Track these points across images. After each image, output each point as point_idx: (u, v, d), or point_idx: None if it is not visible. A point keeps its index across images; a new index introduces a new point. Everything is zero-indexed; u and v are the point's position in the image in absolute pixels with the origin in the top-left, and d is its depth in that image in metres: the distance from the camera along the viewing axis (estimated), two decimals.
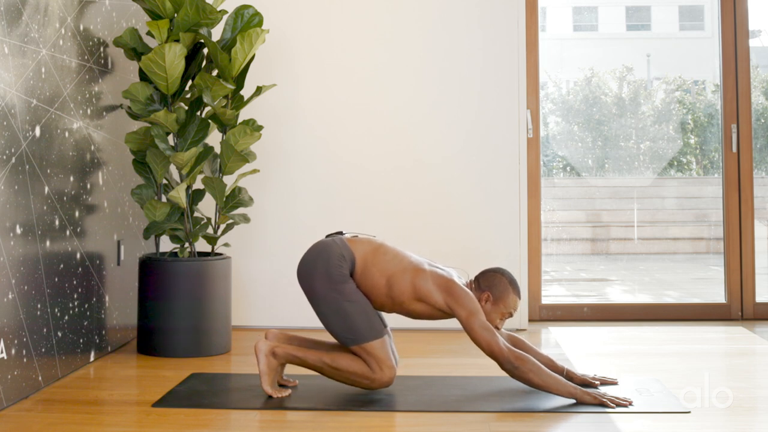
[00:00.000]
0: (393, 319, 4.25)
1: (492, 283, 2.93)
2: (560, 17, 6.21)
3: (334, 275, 2.83)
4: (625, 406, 2.72)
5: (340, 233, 2.99)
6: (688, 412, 2.68)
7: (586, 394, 2.76)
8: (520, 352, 2.79)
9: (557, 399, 2.81)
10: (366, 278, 2.86)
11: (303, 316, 4.24)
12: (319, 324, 2.94)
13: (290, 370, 3.14)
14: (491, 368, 3.25)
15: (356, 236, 2.96)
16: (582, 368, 3.30)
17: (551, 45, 5.63)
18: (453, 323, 4.22)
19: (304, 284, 2.90)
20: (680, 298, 5.28)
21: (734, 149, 4.58)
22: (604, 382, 3.03)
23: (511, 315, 2.95)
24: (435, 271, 2.88)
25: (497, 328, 2.92)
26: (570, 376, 3.00)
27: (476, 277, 2.98)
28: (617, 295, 5.46)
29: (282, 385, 2.99)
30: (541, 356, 3.04)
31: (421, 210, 4.31)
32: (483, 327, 2.77)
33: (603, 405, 2.72)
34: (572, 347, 3.83)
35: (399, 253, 2.92)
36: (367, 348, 2.81)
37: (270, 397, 2.83)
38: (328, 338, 3.05)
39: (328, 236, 2.99)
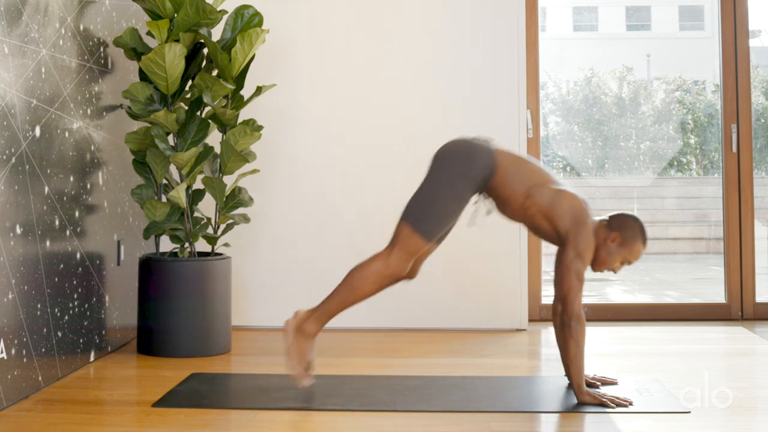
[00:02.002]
0: (393, 319, 4.25)
1: (624, 226, 2.89)
2: (560, 17, 6.22)
3: (462, 172, 2.85)
4: (625, 406, 2.72)
5: (492, 140, 2.98)
6: (688, 412, 2.68)
7: (587, 394, 2.76)
8: (584, 321, 2.78)
9: (557, 399, 2.81)
10: (505, 187, 2.87)
11: None
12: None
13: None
14: (491, 368, 3.26)
15: (502, 149, 2.96)
16: None
17: (551, 45, 5.63)
18: (453, 323, 4.23)
19: (439, 155, 2.92)
20: (680, 298, 5.28)
21: (734, 149, 4.58)
22: (604, 382, 3.03)
23: (630, 262, 2.92)
24: (576, 200, 2.86)
25: (614, 271, 2.91)
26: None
27: (610, 217, 2.95)
28: (617, 295, 5.47)
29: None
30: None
31: None
32: (578, 273, 2.77)
33: (603, 405, 2.72)
34: None
35: (541, 170, 2.93)
36: (406, 233, 2.82)
37: (295, 383, 2.83)
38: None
39: (475, 138, 2.98)
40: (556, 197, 2.85)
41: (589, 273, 2.87)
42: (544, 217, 2.86)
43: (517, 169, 2.89)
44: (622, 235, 2.88)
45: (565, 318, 2.77)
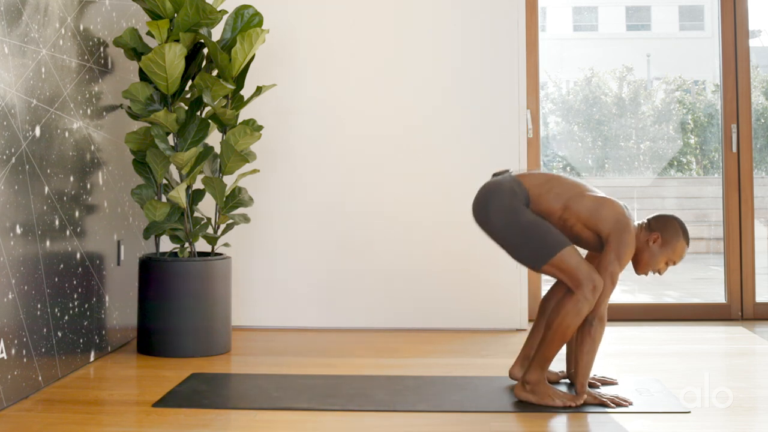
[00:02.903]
0: (393, 319, 4.25)
1: (664, 226, 2.88)
2: (560, 17, 6.22)
3: (508, 205, 2.81)
4: (625, 406, 2.73)
5: (508, 171, 2.96)
6: (688, 412, 2.68)
7: (587, 393, 2.76)
8: (605, 322, 2.77)
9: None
10: (541, 205, 2.84)
11: (303, 316, 4.24)
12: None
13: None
14: (491, 368, 3.26)
15: (524, 173, 2.94)
16: None
17: (551, 45, 5.63)
18: (453, 323, 4.23)
19: (480, 220, 2.89)
20: (680, 298, 5.28)
21: (734, 149, 4.58)
22: (604, 382, 3.03)
23: (675, 262, 2.90)
24: (617, 205, 2.85)
25: (659, 273, 2.89)
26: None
27: (648, 220, 2.94)
28: (617, 295, 5.45)
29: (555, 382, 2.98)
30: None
31: (422, 211, 4.31)
32: (612, 275, 2.75)
33: (603, 405, 2.72)
34: None
35: (576, 182, 2.91)
36: (556, 262, 2.76)
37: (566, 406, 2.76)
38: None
39: (494, 175, 2.97)
40: (597, 204, 2.83)
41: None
42: (584, 226, 2.84)
43: (550, 188, 2.86)
44: (663, 236, 2.87)
45: (589, 315, 2.76)
